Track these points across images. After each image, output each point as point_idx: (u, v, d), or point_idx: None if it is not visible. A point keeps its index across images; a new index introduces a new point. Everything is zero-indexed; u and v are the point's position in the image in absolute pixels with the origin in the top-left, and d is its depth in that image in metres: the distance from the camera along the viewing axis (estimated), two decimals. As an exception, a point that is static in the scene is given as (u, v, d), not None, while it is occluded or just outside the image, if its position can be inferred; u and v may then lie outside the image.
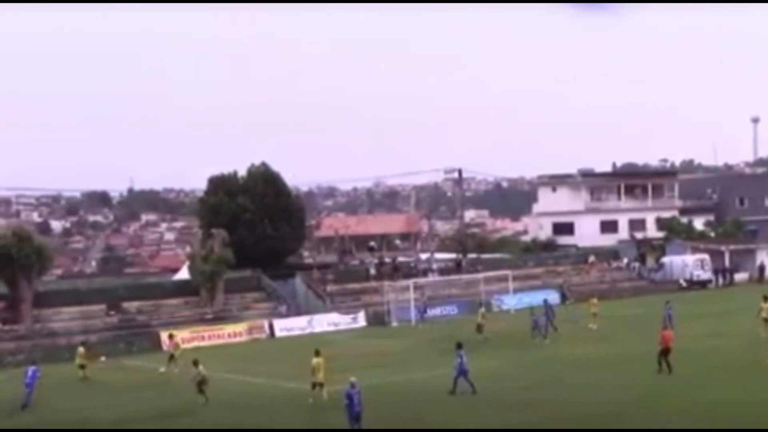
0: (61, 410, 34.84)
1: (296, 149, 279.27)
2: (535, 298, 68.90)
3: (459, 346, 33.60)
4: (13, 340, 54.37)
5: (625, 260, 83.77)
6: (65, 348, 53.75)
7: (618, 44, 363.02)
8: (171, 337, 47.77)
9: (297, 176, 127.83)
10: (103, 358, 51.20)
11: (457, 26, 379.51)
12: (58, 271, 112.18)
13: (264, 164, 79.06)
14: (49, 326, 56.98)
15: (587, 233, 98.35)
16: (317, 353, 32.87)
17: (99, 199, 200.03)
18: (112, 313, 59.59)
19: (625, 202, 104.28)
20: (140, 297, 62.28)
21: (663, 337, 35.12)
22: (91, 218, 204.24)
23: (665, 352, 34.66)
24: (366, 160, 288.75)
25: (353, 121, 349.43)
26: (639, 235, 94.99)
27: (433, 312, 64.10)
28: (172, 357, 43.93)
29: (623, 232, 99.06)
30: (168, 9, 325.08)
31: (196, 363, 34.27)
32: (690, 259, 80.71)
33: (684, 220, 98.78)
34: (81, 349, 43.63)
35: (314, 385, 32.19)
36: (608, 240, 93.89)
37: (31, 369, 36.04)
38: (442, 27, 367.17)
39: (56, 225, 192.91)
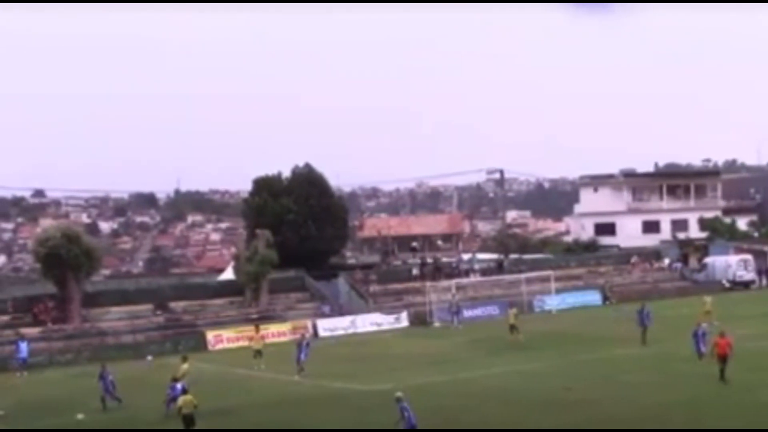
0: (108, 408, 35.21)
1: (340, 150, 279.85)
2: (577, 299, 69.36)
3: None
4: (62, 340, 55.10)
5: (667, 261, 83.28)
6: (113, 347, 54.93)
7: (659, 44, 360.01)
8: (257, 330, 48.15)
9: (340, 177, 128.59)
10: (149, 357, 52.21)
11: (499, 26, 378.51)
12: (107, 272, 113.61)
13: (308, 165, 79.53)
14: (97, 326, 57.64)
15: (629, 234, 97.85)
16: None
17: (146, 201, 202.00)
18: (159, 312, 60.23)
19: (667, 203, 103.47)
20: (186, 297, 62.90)
21: (719, 345, 33.85)
22: (139, 219, 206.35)
23: (723, 359, 33.55)
24: (408, 161, 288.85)
25: (396, 122, 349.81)
26: (681, 236, 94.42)
27: (475, 312, 64.29)
28: (259, 352, 44.53)
29: (665, 233, 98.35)
30: (214, 10, 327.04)
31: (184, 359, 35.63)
32: (733, 259, 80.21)
33: (727, 220, 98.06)
34: None
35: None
36: (650, 240, 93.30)
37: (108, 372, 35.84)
38: (483, 27, 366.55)
39: (104, 226, 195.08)
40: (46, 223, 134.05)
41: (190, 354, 46.96)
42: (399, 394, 25.26)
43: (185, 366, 35.47)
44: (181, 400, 28.95)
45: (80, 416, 33.03)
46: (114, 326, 57.80)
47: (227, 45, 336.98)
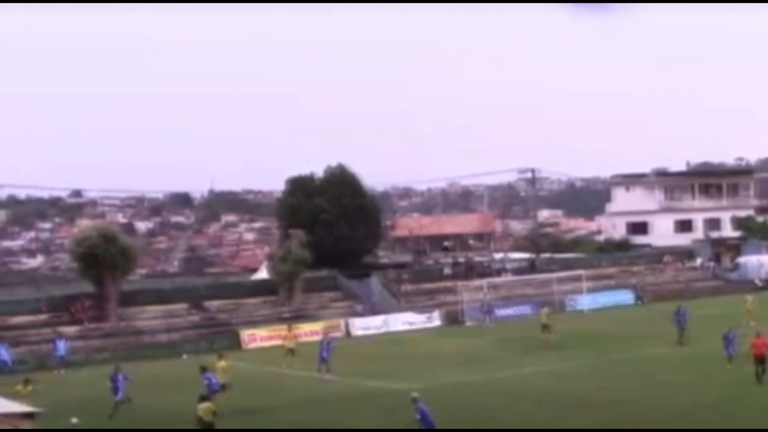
0: (146, 407, 35.58)
1: (372, 150, 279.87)
2: (609, 298, 69.32)
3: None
4: (100, 338, 55.83)
5: (700, 260, 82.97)
6: (149, 346, 55.67)
7: (689, 43, 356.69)
8: (290, 329, 48.55)
9: (373, 177, 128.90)
10: (185, 356, 52.86)
11: (527, 26, 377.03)
12: (143, 271, 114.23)
13: (341, 165, 79.85)
14: (133, 325, 58.30)
15: (662, 233, 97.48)
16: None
17: (181, 200, 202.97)
18: (194, 312, 60.90)
19: (700, 202, 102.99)
20: (221, 296, 63.51)
21: (755, 345, 33.76)
22: (174, 219, 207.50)
23: (760, 360, 33.41)
24: (440, 161, 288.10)
25: (428, 122, 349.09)
26: (714, 235, 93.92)
27: (507, 312, 64.43)
28: (291, 351, 44.87)
29: (698, 232, 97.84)
30: (248, 10, 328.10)
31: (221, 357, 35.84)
32: (766, 258, 79.78)
33: (760, 219, 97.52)
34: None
35: None
36: (683, 239, 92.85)
37: (120, 374, 35.38)
38: (511, 27, 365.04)
39: (140, 226, 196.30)
40: (83, 223, 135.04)
41: (225, 353, 47.43)
42: (415, 394, 25.18)
43: (223, 363, 35.79)
44: (200, 408, 28.43)
45: (74, 420, 31.55)
46: (150, 325, 58.47)
47: (258, 45, 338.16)
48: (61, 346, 51.26)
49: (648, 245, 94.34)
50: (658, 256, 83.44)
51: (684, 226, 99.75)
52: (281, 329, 55.41)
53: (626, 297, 70.58)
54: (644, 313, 60.67)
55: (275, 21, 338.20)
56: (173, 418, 32.60)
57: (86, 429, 31.88)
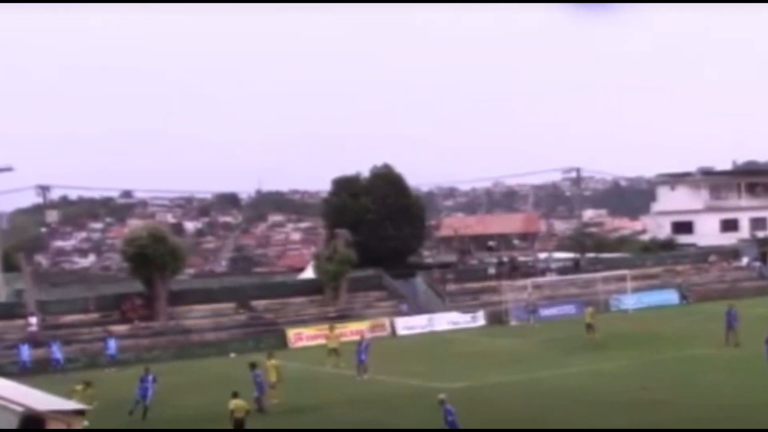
0: (191, 406, 36.13)
1: (418, 150, 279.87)
2: (654, 298, 69.09)
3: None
4: (149, 337, 56.76)
5: (746, 260, 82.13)
6: (197, 345, 56.55)
7: (733, 39, 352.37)
8: (331, 328, 48.71)
9: (418, 177, 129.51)
10: (232, 355, 53.62)
11: (565, 27, 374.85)
12: (191, 271, 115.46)
13: (386, 165, 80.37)
14: (182, 323, 59.07)
15: (707, 232, 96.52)
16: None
17: (229, 201, 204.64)
18: (242, 311, 61.48)
19: (746, 201, 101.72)
20: (268, 295, 64.13)
21: None
22: (222, 219, 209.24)
23: None
24: (485, 161, 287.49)
25: (472, 122, 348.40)
26: (760, 234, 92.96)
27: (551, 311, 64.44)
28: (334, 350, 45.05)
29: (744, 231, 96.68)
30: (306, 9, 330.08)
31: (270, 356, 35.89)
32: (813, 258, 79.19)
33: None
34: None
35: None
36: (728, 239, 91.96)
37: (150, 376, 34.98)
38: (550, 27, 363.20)
39: (189, 226, 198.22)
40: (133, 223, 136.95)
41: (273, 352, 47.85)
42: (442, 396, 24.98)
43: (273, 362, 35.94)
44: (233, 403, 28.58)
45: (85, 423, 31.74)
46: (198, 324, 59.24)
47: (302, 47, 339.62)
48: (112, 344, 52.32)
49: (693, 245, 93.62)
50: (703, 255, 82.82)
51: (729, 225, 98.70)
52: (327, 328, 56.07)
53: (671, 297, 70.26)
54: (689, 313, 60.35)
55: (327, 20, 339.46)
56: (214, 417, 32.68)
57: (133, 430, 32.44)
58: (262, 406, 33.45)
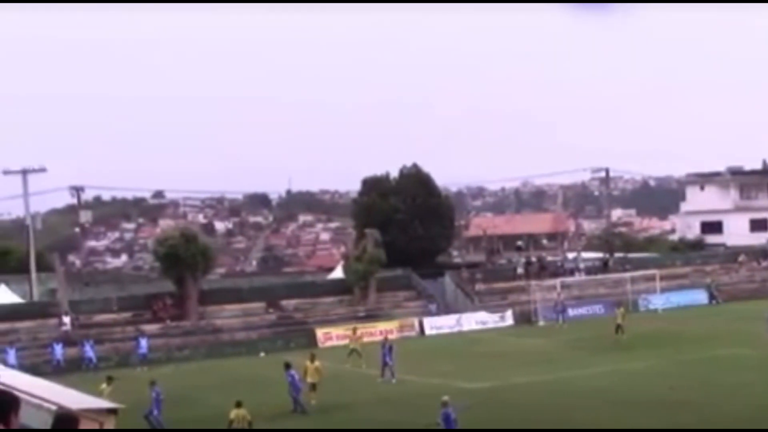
0: (218, 405, 35.52)
1: (446, 150, 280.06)
2: (683, 298, 68.84)
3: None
4: (180, 336, 57.25)
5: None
6: (228, 344, 57.01)
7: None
8: (354, 330, 48.86)
9: (447, 177, 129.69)
10: (262, 354, 54.05)
11: (596, 26, 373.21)
12: (222, 270, 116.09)
13: (415, 165, 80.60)
14: (213, 323, 59.44)
15: (736, 232, 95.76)
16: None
17: (259, 201, 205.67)
18: (271, 310, 61.76)
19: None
20: (297, 295, 64.35)
21: None
22: (252, 219, 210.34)
23: None
24: (514, 161, 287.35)
25: (501, 122, 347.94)
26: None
27: (580, 311, 64.30)
28: (354, 351, 45.08)
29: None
30: (330, 10, 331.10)
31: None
32: (844, 258, 78.51)
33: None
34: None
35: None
36: (758, 239, 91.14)
37: (156, 389, 33.10)
38: (579, 28, 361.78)
39: (220, 226, 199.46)
40: (165, 223, 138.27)
41: (302, 351, 47.73)
42: (445, 398, 24.90)
43: (317, 364, 35.76)
44: (234, 413, 27.55)
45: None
46: (228, 323, 59.57)
47: (330, 46, 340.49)
48: (143, 343, 52.88)
49: (722, 245, 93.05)
50: (732, 255, 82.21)
51: (759, 225, 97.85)
52: (351, 329, 56.34)
53: (700, 297, 69.90)
54: (718, 313, 60.11)
55: (352, 20, 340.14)
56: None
57: (156, 429, 32.58)
58: (302, 406, 33.66)
